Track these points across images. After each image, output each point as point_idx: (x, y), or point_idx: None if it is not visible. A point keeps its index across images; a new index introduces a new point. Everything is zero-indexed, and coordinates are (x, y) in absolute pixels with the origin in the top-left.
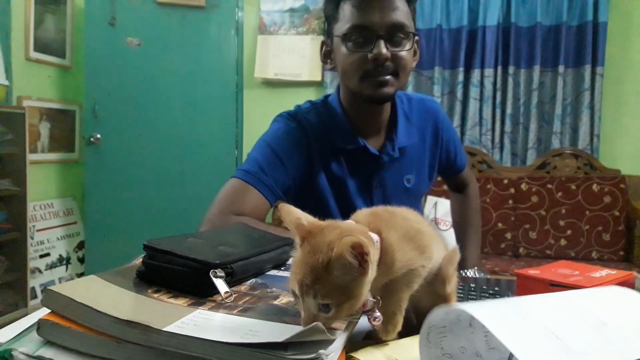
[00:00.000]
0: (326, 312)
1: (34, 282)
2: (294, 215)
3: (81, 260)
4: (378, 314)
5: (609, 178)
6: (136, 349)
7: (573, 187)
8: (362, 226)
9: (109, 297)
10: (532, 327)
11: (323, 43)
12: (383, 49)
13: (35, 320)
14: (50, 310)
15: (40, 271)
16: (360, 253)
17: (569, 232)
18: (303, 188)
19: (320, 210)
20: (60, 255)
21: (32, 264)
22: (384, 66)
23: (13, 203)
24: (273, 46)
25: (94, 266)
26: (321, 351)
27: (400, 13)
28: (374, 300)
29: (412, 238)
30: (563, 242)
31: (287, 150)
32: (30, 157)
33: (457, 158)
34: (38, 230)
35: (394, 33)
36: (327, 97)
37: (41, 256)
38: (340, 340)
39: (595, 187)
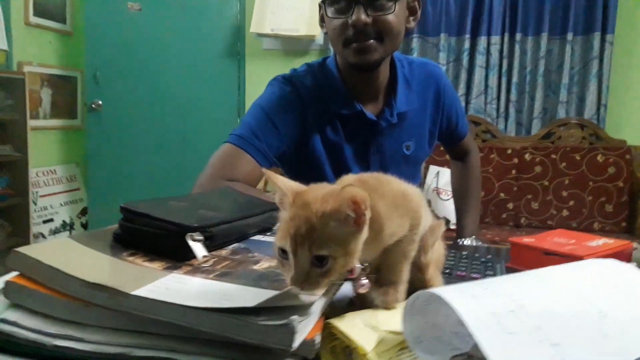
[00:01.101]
0: (320, 267)
1: None
2: (282, 178)
3: (84, 226)
4: (365, 281)
5: (614, 149)
6: (104, 312)
7: (577, 157)
8: None
9: (81, 260)
10: (526, 332)
11: (320, 6)
12: (362, 15)
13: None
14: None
15: (44, 236)
16: (358, 207)
17: (571, 202)
18: (298, 154)
19: (316, 177)
20: (63, 221)
21: (35, 230)
22: (365, 32)
23: (15, 169)
24: (271, 2)
25: None
26: (293, 317)
27: None
28: (362, 267)
29: (400, 204)
30: (565, 212)
31: (281, 115)
32: (32, 123)
33: (459, 125)
34: (41, 196)
35: None
36: (325, 59)
37: (44, 222)
38: (318, 305)
39: (600, 157)
